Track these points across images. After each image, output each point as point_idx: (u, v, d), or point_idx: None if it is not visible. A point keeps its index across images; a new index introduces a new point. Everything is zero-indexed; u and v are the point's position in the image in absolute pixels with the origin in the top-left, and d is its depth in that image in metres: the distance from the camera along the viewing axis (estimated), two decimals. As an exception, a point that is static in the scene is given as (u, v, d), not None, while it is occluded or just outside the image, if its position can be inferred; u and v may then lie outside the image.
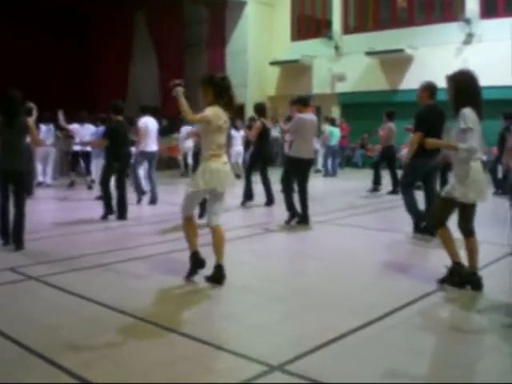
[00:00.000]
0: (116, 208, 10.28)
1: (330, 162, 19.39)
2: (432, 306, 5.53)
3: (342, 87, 23.12)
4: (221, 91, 6.05)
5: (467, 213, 5.78)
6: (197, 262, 6.16)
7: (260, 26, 24.55)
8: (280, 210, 10.34)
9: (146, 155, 12.19)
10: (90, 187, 14.77)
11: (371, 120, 21.23)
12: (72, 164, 15.99)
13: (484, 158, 19.25)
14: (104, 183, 10.34)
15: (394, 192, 13.60)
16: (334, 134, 19.10)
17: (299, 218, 9.61)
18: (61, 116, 14.96)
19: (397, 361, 4.17)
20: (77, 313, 5.22)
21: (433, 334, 4.85)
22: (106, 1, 23.36)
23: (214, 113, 5.95)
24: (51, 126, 15.65)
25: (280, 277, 6.58)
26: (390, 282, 6.24)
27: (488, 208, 10.66)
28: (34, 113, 8.99)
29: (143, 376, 3.88)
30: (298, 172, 9.68)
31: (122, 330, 4.81)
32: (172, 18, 24.61)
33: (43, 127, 15.15)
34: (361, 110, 22.11)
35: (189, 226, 6.20)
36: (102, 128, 13.12)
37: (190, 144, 17.66)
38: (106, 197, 10.28)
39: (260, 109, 12.15)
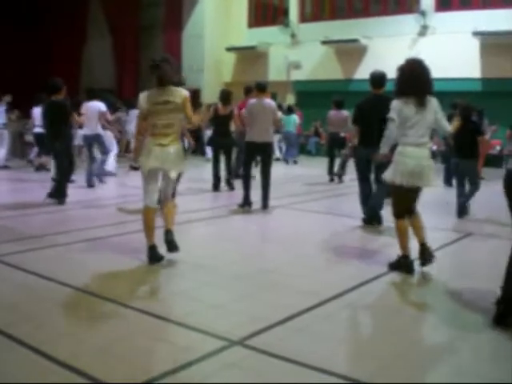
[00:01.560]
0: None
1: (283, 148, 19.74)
2: (383, 287, 5.70)
3: (297, 75, 23.24)
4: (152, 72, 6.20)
5: (396, 194, 6.01)
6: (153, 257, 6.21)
7: (217, 11, 24.45)
8: (236, 194, 10.48)
9: (85, 139, 12.39)
10: (37, 169, 14.62)
11: (326, 108, 21.40)
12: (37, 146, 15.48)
13: (434, 148, 19.78)
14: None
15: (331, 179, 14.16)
16: (291, 121, 19.35)
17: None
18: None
19: (350, 337, 4.34)
20: (36, 291, 5.23)
21: (382, 312, 5.01)
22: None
23: (140, 103, 6.18)
24: (2, 108, 15.33)
25: (237, 258, 6.66)
26: (343, 265, 6.40)
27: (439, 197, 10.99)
28: None
29: (103, 350, 3.93)
30: (247, 155, 9.89)
31: (82, 307, 4.85)
32: (127, -1, 24.36)
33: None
34: (316, 98, 22.25)
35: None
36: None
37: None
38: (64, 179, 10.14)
39: (225, 95, 12.07)
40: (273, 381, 3.57)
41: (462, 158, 9.41)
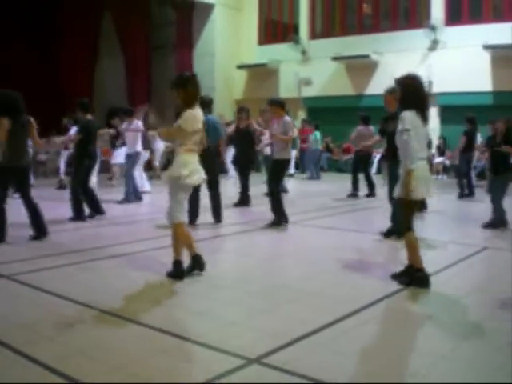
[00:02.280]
0: (88, 206, 10.21)
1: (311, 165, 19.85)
2: (401, 302, 5.67)
3: (308, 91, 23.29)
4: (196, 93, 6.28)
5: (407, 209, 6.01)
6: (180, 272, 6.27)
7: (227, 30, 24.60)
8: (256, 210, 10.51)
9: (138, 156, 12.81)
10: (61, 187, 14.65)
11: (337, 124, 21.50)
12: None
13: (447, 162, 19.75)
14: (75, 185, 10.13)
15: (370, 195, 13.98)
16: (318, 138, 19.66)
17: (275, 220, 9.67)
18: None
19: (370, 354, 4.30)
20: (51, 310, 5.24)
21: (401, 328, 4.98)
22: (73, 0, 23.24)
23: (187, 119, 6.13)
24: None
25: (255, 275, 6.65)
26: (361, 279, 6.36)
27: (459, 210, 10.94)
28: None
29: (121, 369, 3.92)
30: (283, 173, 10.04)
31: (99, 326, 4.84)
32: (139, 18, 24.49)
33: None
34: (327, 114, 22.31)
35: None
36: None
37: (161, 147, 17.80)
38: (84, 197, 10.11)
39: (243, 111, 12.67)
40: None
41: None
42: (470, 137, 13.75)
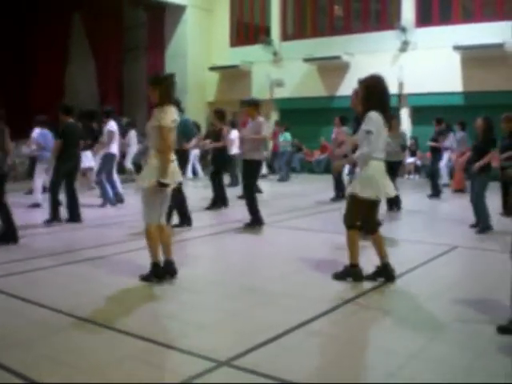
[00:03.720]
0: (68, 211, 10.11)
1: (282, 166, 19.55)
2: (373, 301, 5.68)
3: (280, 93, 23.29)
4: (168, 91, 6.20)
5: (355, 206, 6.10)
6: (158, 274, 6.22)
7: (199, 31, 24.54)
8: (229, 212, 10.51)
9: (112, 158, 12.48)
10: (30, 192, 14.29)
11: (309, 125, 21.57)
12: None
13: (418, 162, 19.90)
14: (54, 187, 10.02)
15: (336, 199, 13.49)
16: (288, 139, 19.44)
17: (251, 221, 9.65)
18: None
19: (341, 353, 4.30)
20: (20, 315, 5.16)
21: (369, 328, 5.00)
22: (42, 0, 23.03)
23: (169, 113, 6.10)
24: None
25: (227, 277, 6.62)
26: (332, 281, 6.35)
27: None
28: None
29: (89, 375, 3.87)
30: (256, 174, 9.94)
31: (67, 331, 4.77)
32: (110, 20, 24.30)
33: None
34: (299, 115, 22.34)
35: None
36: (38, 131, 13.01)
37: (134, 149, 17.67)
38: (53, 202, 9.97)
39: (222, 114, 12.59)
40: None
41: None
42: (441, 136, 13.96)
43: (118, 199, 12.50)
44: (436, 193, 13.89)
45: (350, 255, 6.20)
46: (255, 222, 9.61)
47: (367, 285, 6.06)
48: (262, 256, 8.09)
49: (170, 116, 6.07)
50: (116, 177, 12.98)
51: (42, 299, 5.52)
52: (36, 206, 11.94)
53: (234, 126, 15.70)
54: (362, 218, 6.24)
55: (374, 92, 6.03)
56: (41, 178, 12.24)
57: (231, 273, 6.89)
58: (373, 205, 6.22)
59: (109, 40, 24.33)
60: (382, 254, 6.18)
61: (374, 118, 5.87)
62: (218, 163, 12.55)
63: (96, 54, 25.03)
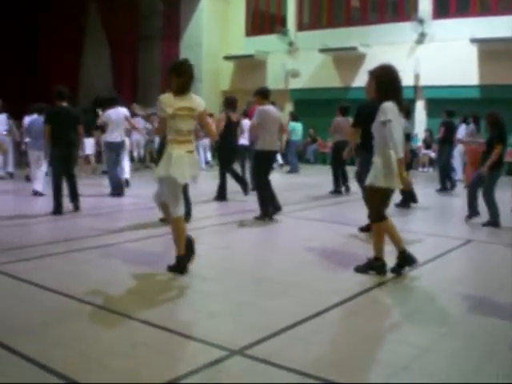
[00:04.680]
0: (70, 198, 9.97)
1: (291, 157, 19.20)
2: (386, 294, 5.66)
3: (295, 83, 23.26)
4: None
5: (377, 197, 6.04)
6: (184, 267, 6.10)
7: (215, 20, 24.52)
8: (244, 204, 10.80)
9: (110, 146, 12.18)
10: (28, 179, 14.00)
11: (324, 116, 21.43)
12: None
13: (433, 154, 19.79)
14: (53, 174, 9.95)
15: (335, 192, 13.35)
16: (297, 129, 19.00)
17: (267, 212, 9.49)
18: None
19: (352, 345, 4.28)
20: (32, 301, 5.18)
21: (384, 320, 4.98)
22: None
23: (160, 107, 5.93)
24: (5, 116, 15.11)
25: (239, 267, 6.59)
26: (346, 272, 6.32)
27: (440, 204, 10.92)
28: None
29: (100, 362, 3.87)
30: (263, 165, 9.58)
31: (79, 317, 4.76)
32: (126, 9, 24.31)
33: (1, 116, 14.75)
34: (314, 106, 22.29)
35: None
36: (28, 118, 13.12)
37: (136, 136, 17.65)
38: (54, 191, 9.78)
39: (230, 102, 11.85)
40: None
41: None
42: (449, 128, 13.67)
43: (117, 188, 12.07)
44: (443, 187, 13.74)
45: (375, 248, 6.14)
46: (262, 214, 9.48)
47: (381, 278, 6.03)
48: (274, 247, 8.10)
49: (174, 103, 5.91)
50: (123, 164, 12.88)
51: (53, 285, 5.53)
52: (36, 193, 11.82)
53: (246, 115, 15.55)
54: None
55: (385, 82, 5.97)
56: (37, 166, 12.09)
57: (244, 263, 6.88)
58: (390, 194, 6.17)
59: (124, 29, 24.34)
60: (396, 240, 6.11)
61: (389, 108, 5.83)
62: (224, 154, 12.00)
63: (111, 43, 25.05)
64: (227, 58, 24.69)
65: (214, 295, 5.52)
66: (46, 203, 10.36)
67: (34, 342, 4.17)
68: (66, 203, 9.91)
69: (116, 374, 3.70)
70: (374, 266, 6.11)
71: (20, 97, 19.93)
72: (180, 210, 6.06)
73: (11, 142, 15.53)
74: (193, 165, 6.07)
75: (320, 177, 16.87)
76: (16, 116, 15.69)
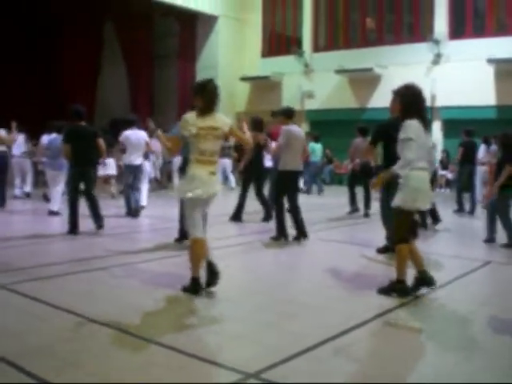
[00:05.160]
0: (92, 218, 9.81)
1: (309, 179, 18.90)
2: (405, 317, 5.52)
3: (311, 104, 23.27)
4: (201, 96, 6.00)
5: (403, 219, 5.94)
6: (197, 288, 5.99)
7: (231, 41, 24.62)
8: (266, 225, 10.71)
9: (128, 168, 12.08)
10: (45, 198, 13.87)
11: (340, 137, 21.41)
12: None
13: (449, 175, 19.65)
14: (68, 194, 9.86)
15: (352, 212, 13.23)
16: (316, 150, 18.68)
17: (297, 234, 9.36)
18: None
19: (369, 370, 4.18)
20: (46, 320, 5.12)
21: (401, 344, 4.87)
22: (75, 11, 23.22)
23: (182, 125, 5.89)
24: (23, 137, 15.08)
25: (260, 289, 6.49)
26: (365, 295, 6.21)
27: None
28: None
29: (111, 381, 3.80)
30: (288, 186, 9.39)
31: (93, 338, 4.70)
32: (142, 29, 24.57)
33: (19, 137, 14.80)
34: (330, 127, 22.25)
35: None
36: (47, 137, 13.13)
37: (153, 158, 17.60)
38: (70, 210, 9.69)
39: (257, 123, 11.64)
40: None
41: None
42: (469, 148, 13.51)
43: (133, 212, 11.94)
44: (460, 208, 13.59)
45: (398, 270, 6.00)
46: (277, 235, 9.36)
47: (400, 299, 5.92)
48: (291, 268, 7.99)
49: (198, 123, 5.86)
50: (142, 187, 12.69)
51: (68, 305, 5.46)
52: (52, 213, 11.83)
53: (269, 136, 15.34)
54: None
55: (409, 101, 5.93)
56: (53, 186, 12.08)
57: (262, 284, 6.75)
58: (412, 215, 6.10)
59: (140, 49, 24.58)
60: (418, 262, 6.02)
61: (413, 126, 5.75)
62: (250, 176, 11.82)
63: (127, 62, 25.27)
64: (243, 79, 24.75)
65: (232, 317, 5.42)
66: (62, 223, 10.34)
67: (45, 361, 4.10)
68: (84, 223, 9.85)
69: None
70: (397, 288, 5.99)
71: (36, 116, 20.06)
72: (197, 231, 5.95)
73: (30, 162, 15.55)
74: (213, 185, 5.97)
75: (337, 198, 16.80)
76: (32, 135, 15.76)
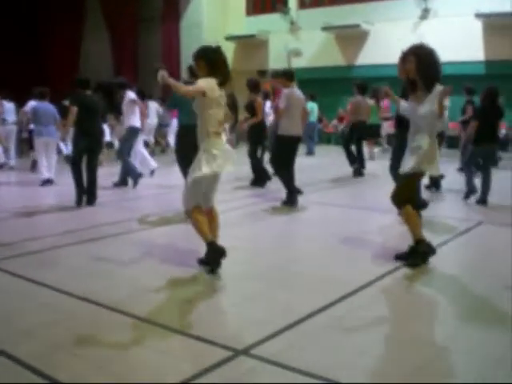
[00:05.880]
0: (86, 192, 9.41)
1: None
2: (401, 283, 5.43)
3: (298, 63, 22.92)
4: (214, 65, 5.69)
5: (412, 182, 5.91)
6: (216, 252, 5.59)
7: (215, 0, 24.16)
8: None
9: (133, 132, 11.43)
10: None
11: (328, 96, 21.23)
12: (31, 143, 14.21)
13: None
14: (73, 164, 9.45)
15: (358, 173, 12.91)
16: (314, 110, 18.15)
17: (287, 198, 9.16)
18: None
19: (364, 342, 4.09)
20: (31, 299, 5.01)
21: (397, 312, 4.80)
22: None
23: (208, 84, 5.53)
24: (13, 105, 14.82)
25: (249, 257, 6.37)
26: (359, 260, 6.14)
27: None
28: None
29: (104, 367, 3.70)
30: (287, 151, 9.21)
31: (82, 317, 4.60)
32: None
33: (6, 104, 14.45)
34: (317, 85, 21.96)
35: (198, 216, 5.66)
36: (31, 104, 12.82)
37: (154, 122, 17.28)
38: (75, 180, 9.37)
39: (253, 85, 11.52)
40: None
41: (489, 142, 9.18)
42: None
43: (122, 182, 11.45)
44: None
45: (412, 232, 5.84)
46: (288, 199, 9.14)
47: (394, 265, 5.82)
48: (289, 234, 7.87)
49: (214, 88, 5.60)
50: (139, 153, 12.30)
51: (54, 281, 5.35)
52: (47, 182, 11.55)
53: (266, 97, 14.86)
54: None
55: (428, 62, 5.71)
56: (41, 154, 11.71)
57: (253, 253, 6.59)
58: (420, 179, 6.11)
59: (123, 12, 24.19)
60: (415, 229, 5.87)
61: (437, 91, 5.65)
62: (254, 139, 11.64)
63: (110, 26, 24.87)
64: (228, 38, 24.35)
65: (218, 289, 5.34)
66: (59, 193, 10.23)
67: (32, 345, 4.01)
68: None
69: (119, 378, 3.52)
70: (419, 249, 5.80)
71: (19, 83, 19.73)
72: (192, 203, 5.63)
73: (16, 131, 15.21)
74: (231, 158, 5.68)
75: (330, 157, 16.66)
76: (20, 104, 15.45)
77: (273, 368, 3.64)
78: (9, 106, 14.73)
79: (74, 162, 9.46)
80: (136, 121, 11.32)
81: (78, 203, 9.29)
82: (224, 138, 5.70)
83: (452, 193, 10.29)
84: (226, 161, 5.58)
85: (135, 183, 11.14)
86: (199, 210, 5.66)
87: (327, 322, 4.42)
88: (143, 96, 14.00)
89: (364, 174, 12.85)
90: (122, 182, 11.40)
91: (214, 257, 5.55)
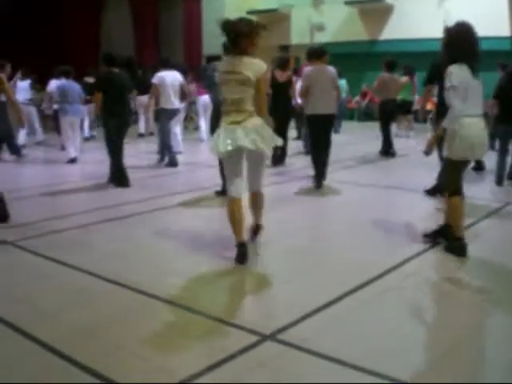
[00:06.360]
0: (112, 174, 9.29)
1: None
2: (423, 268, 5.35)
3: (320, 37, 22.60)
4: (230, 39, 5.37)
5: (455, 170, 5.59)
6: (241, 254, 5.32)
7: (237, -27, 23.93)
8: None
9: (163, 113, 11.22)
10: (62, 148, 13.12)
11: (351, 71, 20.96)
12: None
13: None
14: (108, 146, 9.24)
15: (385, 153, 12.55)
16: (343, 87, 17.41)
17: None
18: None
19: (391, 327, 4.03)
20: (52, 279, 5.00)
21: (423, 294, 4.72)
22: None
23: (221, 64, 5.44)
24: (28, 83, 14.54)
25: (276, 239, 6.16)
26: (387, 242, 6.07)
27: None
28: (7, 69, 8.43)
29: (122, 349, 3.69)
30: (313, 131, 9.02)
31: (111, 299, 4.58)
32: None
33: (20, 84, 14.24)
34: (340, 60, 21.69)
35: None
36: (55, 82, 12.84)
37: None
38: (112, 164, 9.25)
39: (282, 63, 11.17)
40: (306, 381, 3.30)
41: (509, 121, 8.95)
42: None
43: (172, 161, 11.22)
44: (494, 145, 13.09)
45: (454, 226, 5.60)
46: (316, 180, 8.94)
47: (423, 247, 5.74)
48: (316, 215, 7.74)
49: (222, 67, 5.46)
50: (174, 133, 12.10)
51: (78, 262, 5.34)
52: (72, 161, 11.55)
53: (296, 73, 14.46)
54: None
55: (455, 40, 5.46)
56: (67, 133, 11.70)
57: (280, 235, 6.39)
58: (464, 165, 5.64)
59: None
60: (456, 223, 5.62)
61: (454, 72, 5.27)
62: (283, 115, 10.97)
63: (132, 1, 24.76)
64: (250, 12, 24.07)
65: (246, 271, 5.24)
66: (85, 171, 10.27)
67: (52, 326, 4.01)
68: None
69: (146, 361, 3.51)
70: (455, 246, 5.58)
71: (40, 60, 19.73)
72: (232, 190, 5.39)
73: (35, 109, 14.88)
74: (239, 136, 5.22)
75: (354, 135, 16.47)
76: (40, 80, 15.40)
77: (299, 353, 3.60)
78: (23, 84, 14.36)
79: (109, 145, 9.22)
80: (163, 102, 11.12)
81: (108, 182, 9.25)
82: (238, 117, 5.23)
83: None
84: (229, 140, 5.17)
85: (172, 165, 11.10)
86: (234, 201, 5.36)
87: (355, 305, 4.37)
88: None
89: (394, 153, 12.46)
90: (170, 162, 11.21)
91: (239, 259, 5.32)
